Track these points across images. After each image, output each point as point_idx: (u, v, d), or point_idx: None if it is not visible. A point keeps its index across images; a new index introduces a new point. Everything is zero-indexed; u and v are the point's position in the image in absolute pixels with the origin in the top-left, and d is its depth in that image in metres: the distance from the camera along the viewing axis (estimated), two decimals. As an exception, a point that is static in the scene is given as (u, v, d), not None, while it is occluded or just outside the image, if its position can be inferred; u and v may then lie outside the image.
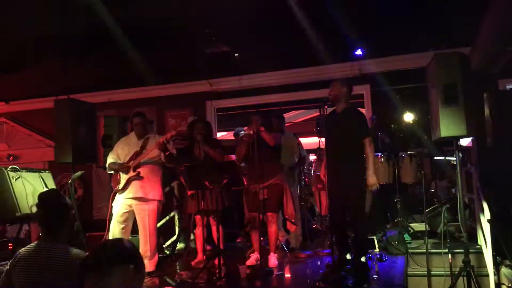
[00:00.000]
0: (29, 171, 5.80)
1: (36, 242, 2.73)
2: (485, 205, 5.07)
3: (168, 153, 5.23)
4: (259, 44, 7.13)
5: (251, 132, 5.01)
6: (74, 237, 5.21)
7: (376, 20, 6.56)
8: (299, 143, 6.55)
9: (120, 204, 5.34)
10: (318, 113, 5.41)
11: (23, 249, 2.72)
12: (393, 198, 6.45)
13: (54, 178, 6.31)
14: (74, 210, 5.32)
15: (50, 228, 2.73)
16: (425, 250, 5.52)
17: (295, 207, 5.42)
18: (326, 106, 4.71)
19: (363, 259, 4.67)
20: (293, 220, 5.36)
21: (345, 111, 4.79)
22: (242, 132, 5.25)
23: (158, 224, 5.58)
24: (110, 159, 5.52)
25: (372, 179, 4.59)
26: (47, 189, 2.80)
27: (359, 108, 5.22)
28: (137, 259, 1.94)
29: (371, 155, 4.58)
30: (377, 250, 5.15)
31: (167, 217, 6.72)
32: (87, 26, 6.33)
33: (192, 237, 6.14)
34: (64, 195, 2.93)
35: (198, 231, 5.70)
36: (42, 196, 2.89)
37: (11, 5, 5.74)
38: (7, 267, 2.68)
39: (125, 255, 1.90)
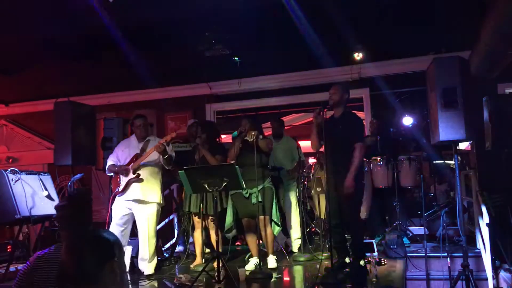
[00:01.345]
0: (29, 174, 5.81)
1: (58, 244, 2.62)
2: (484, 209, 5.08)
3: (167, 156, 5.23)
4: (259, 47, 7.14)
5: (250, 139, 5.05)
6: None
7: (376, 23, 6.56)
8: (298, 147, 6.55)
9: (120, 207, 5.34)
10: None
11: (47, 250, 2.59)
12: (392, 202, 6.45)
13: (54, 180, 6.32)
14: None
15: (78, 228, 2.59)
16: (424, 254, 5.52)
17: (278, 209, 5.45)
18: (325, 110, 4.72)
19: (362, 262, 4.68)
20: (279, 223, 5.39)
21: (344, 116, 4.82)
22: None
23: (158, 227, 5.58)
24: (110, 161, 5.52)
25: (348, 182, 4.57)
26: (76, 188, 2.68)
27: (357, 112, 5.25)
28: (117, 248, 1.80)
29: (356, 160, 4.60)
30: (376, 253, 5.16)
31: (166, 220, 6.73)
32: (87, 29, 6.33)
33: (191, 240, 6.14)
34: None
35: (197, 234, 5.70)
36: (73, 196, 2.82)
37: (11, 7, 5.74)
38: (26, 269, 2.55)
39: (107, 251, 1.76)
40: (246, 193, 5.15)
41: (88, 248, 1.74)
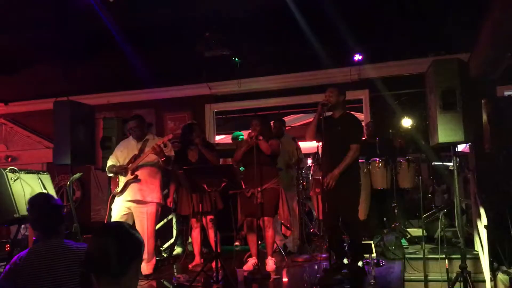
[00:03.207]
0: (28, 173, 5.80)
1: (32, 246, 2.72)
2: (482, 211, 5.08)
3: (164, 158, 5.22)
4: (259, 48, 7.15)
5: (249, 139, 5.06)
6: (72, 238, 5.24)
7: (375, 25, 6.58)
8: (297, 147, 6.56)
9: (119, 207, 5.35)
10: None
11: (23, 255, 2.66)
12: (391, 203, 6.46)
13: (53, 179, 6.32)
14: (72, 211, 5.36)
15: (46, 228, 2.73)
16: (422, 255, 5.53)
17: (290, 211, 5.44)
18: (325, 113, 4.73)
19: (360, 263, 4.69)
20: (288, 225, 5.37)
21: (343, 117, 4.84)
22: (241, 136, 5.27)
23: (156, 227, 5.58)
24: (110, 162, 5.52)
25: (331, 175, 4.61)
26: (37, 193, 2.83)
27: (356, 114, 5.26)
28: (143, 245, 1.84)
29: (348, 159, 4.64)
30: (374, 255, 5.16)
31: (165, 220, 6.72)
32: (87, 29, 6.34)
33: (189, 240, 6.14)
34: (52, 196, 2.93)
35: (195, 234, 5.70)
36: (32, 202, 2.88)
37: (11, 7, 5.75)
38: (7, 273, 2.62)
39: (138, 248, 1.80)
40: (248, 192, 5.15)
41: (120, 243, 1.76)
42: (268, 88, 8.92)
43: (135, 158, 5.35)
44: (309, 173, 7.38)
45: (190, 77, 8.85)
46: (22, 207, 5.39)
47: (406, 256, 5.68)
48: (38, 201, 2.89)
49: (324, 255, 5.58)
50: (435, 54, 7.17)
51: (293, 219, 6.26)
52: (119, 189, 5.36)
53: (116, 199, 5.40)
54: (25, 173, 5.73)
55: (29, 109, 10.12)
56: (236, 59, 7.71)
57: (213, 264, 4.76)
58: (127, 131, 5.66)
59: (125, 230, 1.83)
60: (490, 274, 4.92)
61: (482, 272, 5.08)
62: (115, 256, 1.73)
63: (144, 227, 5.28)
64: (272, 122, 6.88)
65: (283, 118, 8.18)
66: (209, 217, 5.56)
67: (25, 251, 2.69)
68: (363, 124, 7.66)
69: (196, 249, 5.72)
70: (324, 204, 4.79)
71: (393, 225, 6.42)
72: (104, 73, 8.33)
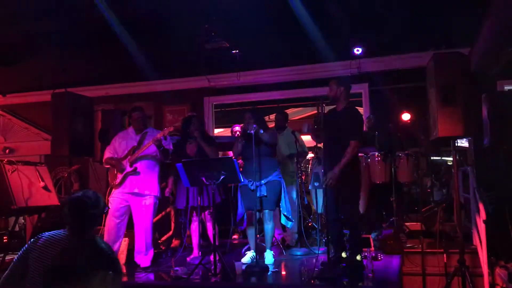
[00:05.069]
0: (25, 164, 5.79)
1: (63, 230, 2.59)
2: (480, 206, 5.08)
3: (162, 148, 5.22)
4: (258, 41, 7.11)
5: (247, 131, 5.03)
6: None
7: (375, 18, 6.54)
8: (297, 140, 6.54)
9: (117, 199, 5.33)
10: (316, 111, 5.45)
11: (47, 233, 2.60)
12: (389, 197, 6.45)
13: (50, 171, 6.30)
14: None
15: (77, 229, 2.58)
16: (420, 250, 5.53)
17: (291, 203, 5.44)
18: (324, 104, 4.70)
19: (358, 257, 4.69)
20: (289, 216, 5.37)
21: (344, 110, 4.81)
22: (237, 128, 5.22)
23: (154, 220, 5.57)
24: (107, 153, 5.50)
25: (331, 174, 4.60)
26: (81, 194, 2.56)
27: (358, 107, 5.23)
28: (115, 264, 1.91)
29: (347, 155, 4.62)
30: (372, 248, 5.16)
31: (163, 213, 6.72)
32: (85, 20, 6.30)
33: (187, 232, 6.14)
34: (97, 200, 2.66)
35: (194, 226, 5.69)
36: (75, 204, 2.71)
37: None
38: (26, 246, 2.57)
39: (104, 260, 1.87)
40: (252, 185, 5.13)
41: (86, 252, 1.89)
42: (267, 81, 8.89)
43: (134, 150, 5.34)
44: (308, 166, 7.37)
45: (189, 70, 8.82)
46: (20, 199, 5.38)
47: (405, 250, 5.68)
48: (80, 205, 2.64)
49: (322, 249, 5.57)
50: (436, 48, 7.14)
51: (292, 213, 6.26)
52: (117, 181, 5.35)
53: (114, 191, 5.39)
54: (23, 164, 5.73)
55: (27, 101, 10.07)
56: (236, 51, 7.66)
57: (211, 257, 4.76)
58: (130, 122, 5.64)
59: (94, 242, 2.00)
60: (488, 268, 4.93)
61: (480, 267, 5.09)
62: (75, 263, 1.84)
63: (141, 219, 5.28)
64: (275, 115, 6.88)
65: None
66: (207, 210, 5.56)
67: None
68: (365, 117, 7.68)
69: (195, 242, 5.72)
70: (325, 197, 4.78)
71: (391, 219, 6.42)
72: (102, 65, 8.29)
